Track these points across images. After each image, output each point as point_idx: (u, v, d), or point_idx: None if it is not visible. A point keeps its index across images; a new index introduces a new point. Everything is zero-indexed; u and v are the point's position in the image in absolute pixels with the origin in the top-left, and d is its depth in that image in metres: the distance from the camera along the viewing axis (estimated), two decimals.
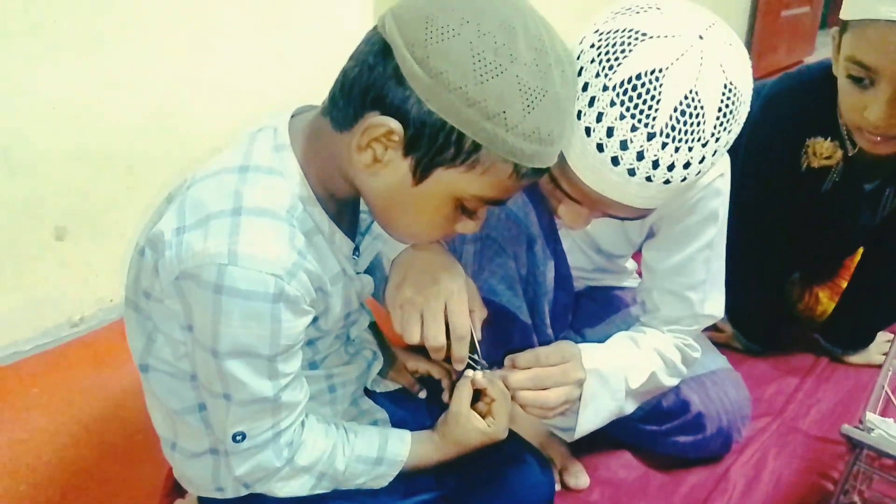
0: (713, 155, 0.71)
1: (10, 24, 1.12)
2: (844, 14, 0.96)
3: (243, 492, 0.80)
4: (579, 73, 0.71)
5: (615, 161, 0.70)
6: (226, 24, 1.38)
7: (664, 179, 0.71)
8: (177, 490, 1.01)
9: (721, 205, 0.98)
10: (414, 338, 0.81)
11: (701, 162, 0.71)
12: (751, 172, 1.23)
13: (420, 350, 0.90)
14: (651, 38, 0.67)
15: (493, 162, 0.63)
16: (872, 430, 0.90)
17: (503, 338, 0.99)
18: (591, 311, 1.19)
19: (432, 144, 0.63)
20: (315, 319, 0.76)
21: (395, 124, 0.62)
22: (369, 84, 0.62)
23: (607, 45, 0.69)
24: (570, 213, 0.83)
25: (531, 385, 0.88)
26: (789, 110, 1.14)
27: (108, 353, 1.32)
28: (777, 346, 1.39)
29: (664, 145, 0.68)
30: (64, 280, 1.31)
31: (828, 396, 1.29)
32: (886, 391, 1.04)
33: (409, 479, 0.85)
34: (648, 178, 0.71)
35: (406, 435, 0.85)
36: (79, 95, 1.22)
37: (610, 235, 1.07)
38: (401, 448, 0.83)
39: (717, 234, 1.00)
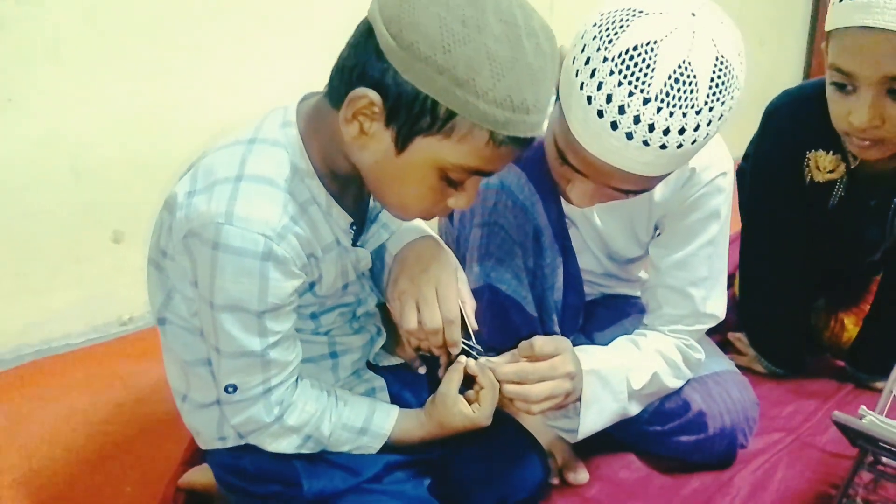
0: (707, 125, 0.77)
1: (84, 46, 1.30)
2: (827, 25, 1.01)
3: (241, 442, 0.86)
4: (582, 50, 0.78)
5: (614, 126, 0.76)
6: (278, 56, 1.54)
7: (660, 144, 0.77)
8: (192, 462, 1.08)
9: (723, 203, 1.02)
10: (411, 323, 0.86)
11: (696, 130, 0.76)
12: (759, 187, 1.27)
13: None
14: (647, 14, 0.75)
15: (469, 129, 0.68)
16: (864, 417, 0.89)
17: (508, 327, 1.03)
18: (603, 315, 1.21)
19: (410, 113, 0.68)
20: (311, 286, 0.83)
21: (374, 95, 0.67)
22: (355, 62, 0.69)
23: (608, 22, 0.77)
24: (578, 190, 0.89)
25: (516, 378, 0.91)
26: (789, 124, 1.18)
27: (151, 348, 1.42)
28: (801, 370, 1.37)
29: (659, 109, 0.75)
30: (117, 281, 1.44)
31: None
32: (894, 394, 1.02)
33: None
34: (645, 142, 0.76)
35: (393, 409, 0.90)
36: (143, 112, 1.38)
37: (618, 233, 1.10)
38: (385, 421, 0.88)
39: (719, 232, 1.03)
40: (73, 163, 1.34)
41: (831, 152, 1.16)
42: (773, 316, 1.34)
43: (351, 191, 0.82)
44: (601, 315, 1.22)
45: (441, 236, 1.23)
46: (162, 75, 1.39)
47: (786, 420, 1.25)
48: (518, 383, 0.91)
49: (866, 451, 0.97)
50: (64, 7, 1.25)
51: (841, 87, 1.02)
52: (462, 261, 1.02)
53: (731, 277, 1.29)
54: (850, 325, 1.40)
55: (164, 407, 1.22)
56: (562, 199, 1.05)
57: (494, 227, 1.01)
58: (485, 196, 0.99)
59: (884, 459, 1.00)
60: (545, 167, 0.97)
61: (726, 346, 1.41)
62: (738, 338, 1.44)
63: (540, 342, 0.94)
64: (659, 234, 1.08)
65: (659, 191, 1.02)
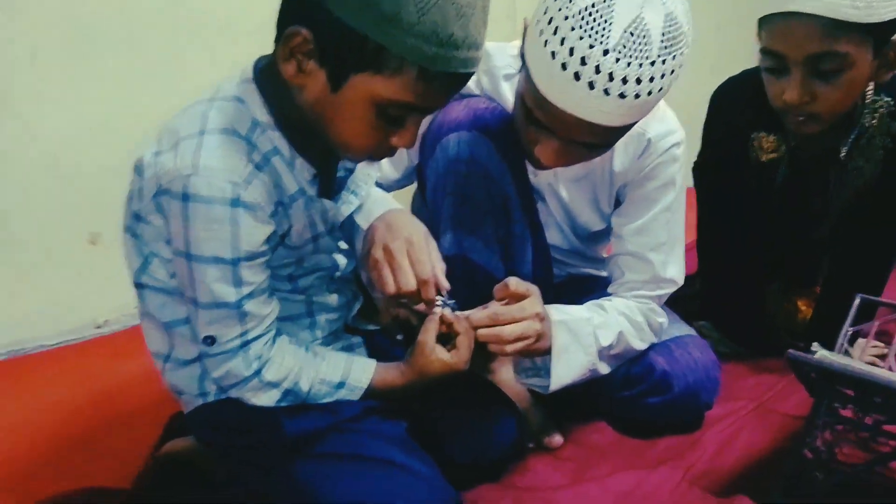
0: (661, 77, 0.85)
1: (61, 51, 1.35)
2: (760, 15, 1.12)
3: (221, 396, 0.88)
4: (545, 11, 0.85)
5: (577, 76, 0.83)
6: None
7: (619, 92, 0.84)
8: (171, 438, 1.08)
9: (678, 171, 1.10)
10: (389, 288, 0.90)
11: (651, 81, 0.84)
12: (710, 169, 1.35)
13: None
14: None
15: (398, 64, 0.69)
16: (816, 353, 0.94)
17: (480, 296, 1.06)
18: (571, 297, 1.26)
19: (341, 48, 0.70)
20: (282, 238, 0.85)
21: (305, 31, 0.70)
22: (291, 2, 0.73)
23: None
24: (545, 148, 0.95)
25: (489, 322, 0.95)
26: (733, 107, 1.27)
27: (124, 348, 1.44)
28: (760, 349, 1.42)
29: (617, 60, 0.82)
30: (92, 283, 1.45)
31: None
32: (845, 347, 1.08)
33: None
34: (606, 91, 0.83)
35: (370, 364, 0.92)
36: (121, 116, 1.42)
37: (583, 205, 1.16)
38: (363, 375, 0.90)
39: (675, 199, 1.10)
40: (52, 164, 1.37)
41: (772, 134, 1.25)
42: (730, 294, 1.40)
43: (315, 143, 0.83)
44: (570, 296, 1.26)
45: (414, 209, 1.28)
46: (139, 81, 1.44)
47: (750, 390, 1.29)
48: (491, 327, 0.94)
49: (822, 398, 1.02)
50: (43, 13, 1.31)
51: (773, 69, 1.11)
52: (435, 232, 1.07)
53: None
54: (803, 307, 1.47)
55: (139, 399, 1.23)
56: (529, 173, 1.12)
57: (466, 196, 1.06)
58: (456, 167, 1.05)
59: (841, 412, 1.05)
60: (512, 140, 1.03)
61: None
62: (701, 325, 1.49)
63: (514, 281, 0.98)
64: (620, 205, 1.14)
65: (619, 161, 1.09)
